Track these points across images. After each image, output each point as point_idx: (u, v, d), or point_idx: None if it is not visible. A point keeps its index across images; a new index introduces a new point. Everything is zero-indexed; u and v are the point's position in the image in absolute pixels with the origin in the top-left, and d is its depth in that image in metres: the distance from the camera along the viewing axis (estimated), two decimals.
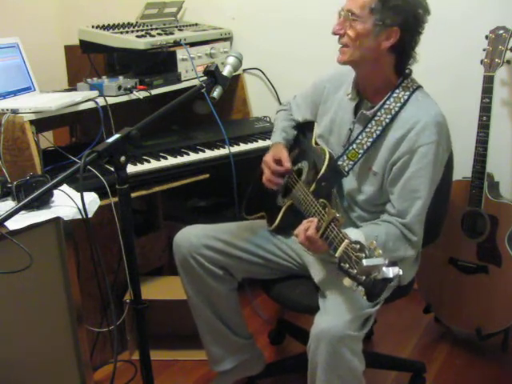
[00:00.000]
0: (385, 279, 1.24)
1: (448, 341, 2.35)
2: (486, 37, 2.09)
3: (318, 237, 1.46)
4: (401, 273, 1.24)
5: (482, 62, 2.09)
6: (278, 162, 1.83)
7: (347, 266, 1.30)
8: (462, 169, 2.11)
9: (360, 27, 1.58)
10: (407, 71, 1.68)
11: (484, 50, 2.09)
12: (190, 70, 2.49)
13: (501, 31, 2.07)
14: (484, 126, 2.06)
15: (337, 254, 1.35)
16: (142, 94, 2.22)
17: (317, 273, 1.74)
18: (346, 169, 1.70)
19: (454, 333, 2.36)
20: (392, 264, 1.25)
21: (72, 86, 2.40)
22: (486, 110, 2.05)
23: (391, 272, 1.24)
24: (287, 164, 1.82)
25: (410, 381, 2.08)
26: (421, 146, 1.59)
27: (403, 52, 1.63)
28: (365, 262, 1.24)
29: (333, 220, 1.42)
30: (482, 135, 2.07)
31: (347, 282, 1.31)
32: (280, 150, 1.88)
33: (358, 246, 1.30)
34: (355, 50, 1.61)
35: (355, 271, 1.28)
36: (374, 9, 1.55)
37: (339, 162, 1.71)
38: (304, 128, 1.98)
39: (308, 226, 1.49)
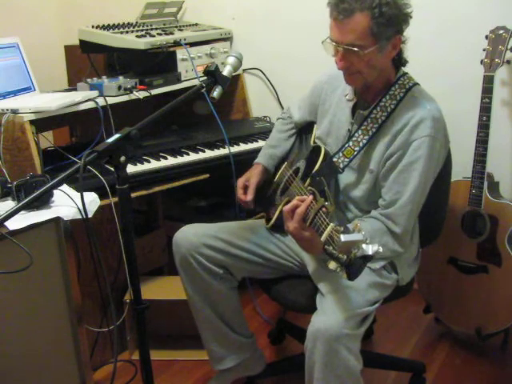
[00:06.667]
0: (364, 256, 1.24)
1: (448, 341, 2.35)
2: (486, 37, 2.09)
3: (306, 224, 1.46)
4: (380, 250, 1.24)
5: (482, 61, 2.08)
6: (247, 188, 1.87)
7: (331, 248, 1.31)
8: (462, 169, 2.11)
9: (369, 55, 1.54)
10: (404, 61, 1.68)
11: (484, 49, 2.09)
12: (190, 69, 2.49)
13: (501, 31, 2.07)
14: (484, 126, 2.06)
15: (322, 238, 1.35)
16: (141, 94, 2.22)
17: (314, 271, 1.73)
18: (342, 165, 1.70)
19: (454, 333, 2.36)
20: (372, 242, 1.25)
21: (72, 86, 2.41)
22: (485, 110, 2.05)
23: (370, 249, 1.23)
24: (249, 197, 1.87)
25: (410, 381, 2.08)
26: (414, 140, 1.58)
27: (400, 50, 1.64)
28: (343, 238, 1.24)
29: (321, 207, 1.42)
30: (482, 135, 2.07)
31: (332, 265, 1.31)
32: (254, 175, 1.92)
33: (342, 228, 1.31)
34: (370, 74, 1.59)
35: (337, 251, 1.27)
36: (376, 33, 1.52)
37: (334, 159, 1.71)
38: (305, 129, 1.98)
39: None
